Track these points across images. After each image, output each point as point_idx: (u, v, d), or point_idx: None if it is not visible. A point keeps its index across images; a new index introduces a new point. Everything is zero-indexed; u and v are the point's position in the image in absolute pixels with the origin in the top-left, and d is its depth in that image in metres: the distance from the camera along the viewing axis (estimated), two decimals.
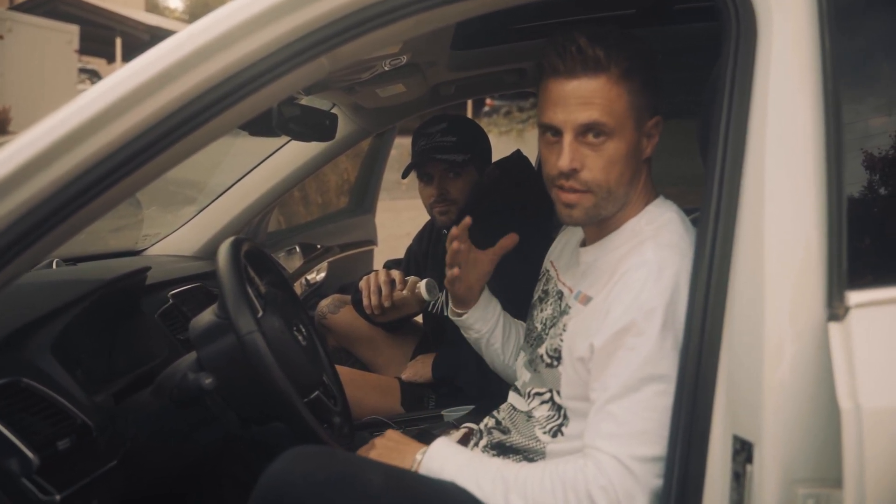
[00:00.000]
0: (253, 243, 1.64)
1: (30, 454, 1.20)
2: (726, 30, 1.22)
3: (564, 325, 1.42)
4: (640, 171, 1.39)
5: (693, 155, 1.44)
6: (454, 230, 1.61)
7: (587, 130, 1.31)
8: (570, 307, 1.45)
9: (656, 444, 1.22)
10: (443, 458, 1.38)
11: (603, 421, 1.27)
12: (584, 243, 1.50)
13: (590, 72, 1.29)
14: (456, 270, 1.65)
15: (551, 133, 1.35)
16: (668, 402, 1.22)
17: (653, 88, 1.36)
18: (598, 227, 1.42)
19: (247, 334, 1.38)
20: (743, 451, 1.09)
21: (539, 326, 1.54)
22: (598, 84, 1.30)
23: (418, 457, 1.40)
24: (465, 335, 1.79)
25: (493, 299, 1.78)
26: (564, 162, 1.31)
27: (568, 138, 1.31)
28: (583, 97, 1.30)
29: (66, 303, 1.52)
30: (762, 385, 1.08)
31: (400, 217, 6.69)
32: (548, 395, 1.43)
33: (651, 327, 1.25)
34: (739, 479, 1.10)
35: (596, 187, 1.33)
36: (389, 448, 1.45)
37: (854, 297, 1.06)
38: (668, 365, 1.24)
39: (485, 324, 1.75)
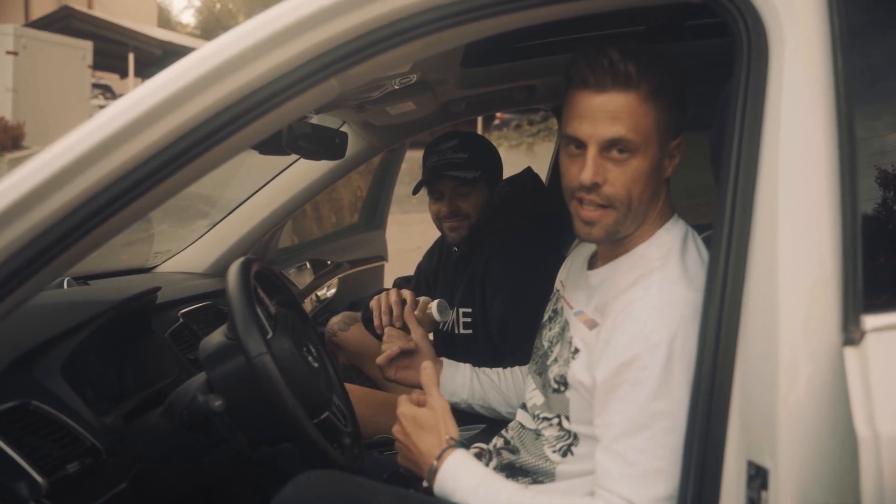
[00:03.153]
0: (262, 263, 1.64)
1: (38, 478, 1.20)
2: (737, 48, 1.21)
3: (571, 342, 1.41)
4: (660, 190, 1.38)
5: (706, 167, 1.43)
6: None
7: (612, 146, 1.30)
8: (569, 323, 1.44)
9: (669, 482, 1.20)
10: (455, 479, 1.36)
11: (613, 461, 1.25)
12: (591, 264, 1.49)
13: (620, 87, 1.28)
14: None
15: (575, 145, 1.33)
16: (677, 438, 1.20)
17: (679, 109, 1.35)
18: (612, 245, 1.41)
19: (256, 356, 1.38)
20: (758, 478, 1.08)
21: (546, 344, 1.53)
22: (627, 100, 1.28)
23: (434, 463, 1.37)
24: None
25: (457, 371, 1.81)
26: (587, 175, 1.29)
27: (592, 152, 1.30)
28: (611, 112, 1.28)
29: (76, 324, 1.52)
30: (777, 409, 1.06)
31: (410, 230, 6.68)
32: (556, 421, 1.41)
33: (655, 362, 1.23)
34: None
35: (617, 203, 1.32)
36: (405, 454, 1.43)
37: (870, 321, 1.04)
38: (675, 400, 1.22)
39: (456, 395, 1.78)
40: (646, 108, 1.29)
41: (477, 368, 1.84)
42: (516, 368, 1.84)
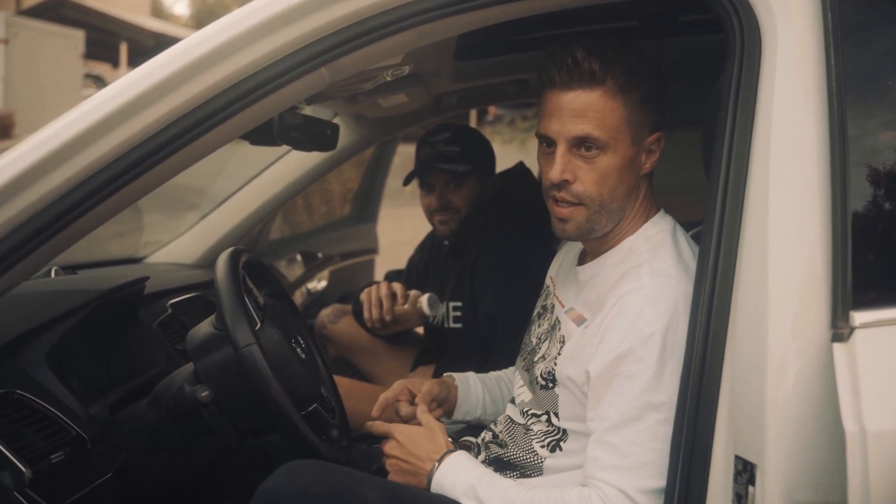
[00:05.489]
0: (251, 254, 1.62)
1: (22, 467, 1.19)
2: (730, 44, 1.20)
3: (561, 340, 1.40)
4: (639, 186, 1.38)
5: (698, 164, 1.43)
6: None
7: (580, 143, 1.30)
8: (559, 321, 1.44)
9: (661, 474, 1.21)
10: (454, 476, 1.36)
11: (604, 452, 1.25)
12: (581, 260, 1.49)
13: (585, 84, 1.29)
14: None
15: (546, 144, 1.35)
16: (670, 430, 1.20)
17: (654, 104, 1.34)
18: (597, 241, 1.41)
19: (244, 347, 1.37)
20: (745, 472, 1.08)
21: (534, 341, 1.53)
22: (592, 97, 1.29)
23: (435, 465, 1.38)
24: None
25: (469, 389, 1.70)
26: (555, 173, 1.31)
27: (560, 149, 1.31)
28: (576, 110, 1.29)
29: (63, 313, 1.51)
30: (765, 405, 1.06)
31: (402, 224, 6.67)
32: (545, 417, 1.41)
33: (649, 354, 1.23)
34: (741, 501, 1.08)
35: (587, 200, 1.32)
36: (400, 468, 1.43)
37: (859, 317, 1.04)
38: (668, 392, 1.22)
39: (470, 414, 1.70)
40: (613, 104, 1.29)
41: (482, 377, 1.74)
42: (509, 369, 1.81)
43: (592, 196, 1.32)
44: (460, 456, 1.39)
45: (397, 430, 1.45)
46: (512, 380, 1.76)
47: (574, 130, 1.29)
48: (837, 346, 1.03)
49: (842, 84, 1.11)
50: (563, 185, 1.32)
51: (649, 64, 1.34)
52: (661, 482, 1.20)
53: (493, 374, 1.77)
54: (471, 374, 1.75)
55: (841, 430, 0.99)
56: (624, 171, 1.32)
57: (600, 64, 1.28)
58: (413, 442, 1.42)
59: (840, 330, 1.04)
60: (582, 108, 1.29)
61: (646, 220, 1.39)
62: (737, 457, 1.10)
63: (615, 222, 1.37)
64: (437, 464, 1.38)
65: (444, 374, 1.71)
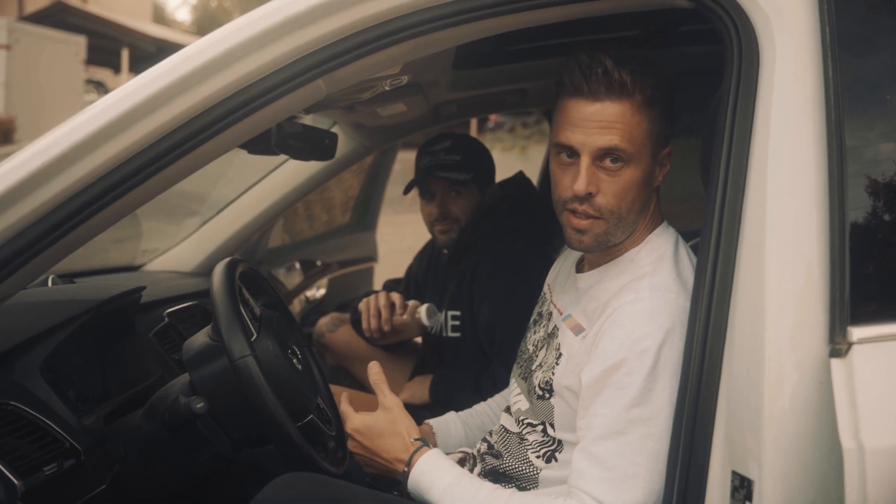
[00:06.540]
0: (248, 264, 1.62)
1: (14, 480, 1.18)
2: (728, 54, 1.20)
3: (558, 349, 1.40)
4: (651, 198, 1.38)
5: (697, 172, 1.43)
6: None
7: (605, 155, 1.28)
8: (557, 329, 1.44)
9: (644, 488, 1.20)
10: (431, 475, 1.35)
11: (589, 463, 1.24)
12: (580, 267, 1.48)
13: (614, 96, 1.27)
14: None
15: (567, 154, 1.32)
16: (656, 445, 1.20)
17: (669, 117, 1.34)
18: (602, 252, 1.40)
19: (240, 359, 1.36)
20: (742, 488, 1.07)
21: (531, 348, 1.52)
22: (621, 109, 1.27)
23: (405, 470, 1.37)
24: None
25: (449, 430, 1.69)
26: (581, 186, 1.28)
27: (585, 161, 1.29)
28: (604, 121, 1.27)
29: (57, 323, 1.50)
30: (762, 420, 1.06)
31: (402, 231, 6.68)
32: (541, 428, 1.40)
33: (641, 368, 1.23)
34: None
35: (608, 213, 1.31)
36: (373, 466, 1.42)
37: (857, 332, 1.04)
38: (657, 408, 1.22)
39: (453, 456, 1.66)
40: (639, 117, 1.28)
41: (463, 415, 1.73)
42: (497, 396, 1.79)
43: (613, 209, 1.31)
44: (434, 455, 1.37)
45: (353, 428, 1.43)
46: (500, 406, 1.76)
47: (601, 142, 1.27)
48: (835, 362, 1.03)
49: (840, 95, 1.11)
50: (587, 197, 1.30)
51: (666, 77, 1.33)
52: (644, 496, 1.20)
53: (477, 407, 1.76)
54: (450, 416, 1.74)
55: (838, 446, 0.99)
56: (643, 184, 1.32)
57: (631, 75, 1.26)
58: (375, 438, 1.41)
59: (838, 345, 1.03)
60: (610, 120, 1.27)
61: (650, 232, 1.39)
62: (734, 472, 1.09)
63: (627, 234, 1.36)
64: (406, 468, 1.37)
65: (423, 422, 1.68)
